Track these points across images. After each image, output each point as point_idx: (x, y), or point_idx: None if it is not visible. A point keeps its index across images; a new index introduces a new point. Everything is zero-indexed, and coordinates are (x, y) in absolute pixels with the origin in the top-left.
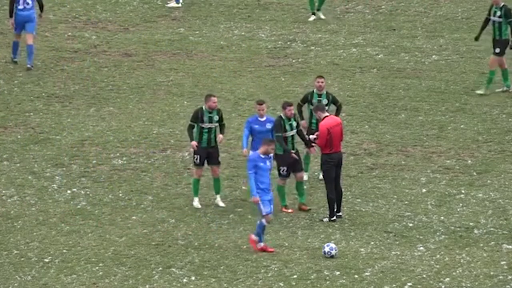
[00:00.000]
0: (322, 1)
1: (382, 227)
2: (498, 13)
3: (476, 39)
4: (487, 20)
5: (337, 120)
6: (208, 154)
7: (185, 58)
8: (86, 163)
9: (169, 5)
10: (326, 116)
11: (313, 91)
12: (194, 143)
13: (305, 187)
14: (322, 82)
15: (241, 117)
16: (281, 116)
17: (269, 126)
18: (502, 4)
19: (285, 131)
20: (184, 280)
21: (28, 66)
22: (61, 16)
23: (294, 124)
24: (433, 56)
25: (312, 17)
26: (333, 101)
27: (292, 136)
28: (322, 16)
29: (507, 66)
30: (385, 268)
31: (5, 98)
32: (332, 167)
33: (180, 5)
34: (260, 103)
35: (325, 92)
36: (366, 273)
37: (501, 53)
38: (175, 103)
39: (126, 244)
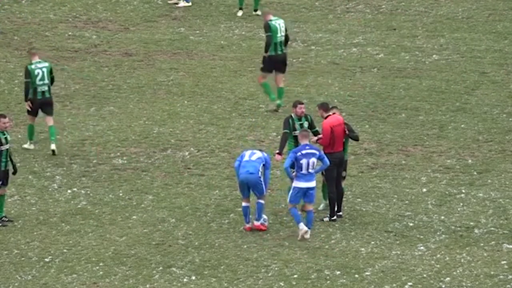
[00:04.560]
0: (257, 1)
1: (382, 226)
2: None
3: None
4: None
5: (340, 119)
6: (42, 105)
7: (186, 57)
8: (87, 162)
9: (179, 5)
10: (329, 115)
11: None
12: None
13: None
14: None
15: (242, 116)
16: (291, 114)
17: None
18: (268, 20)
19: (294, 129)
20: (185, 280)
21: None
22: (61, 15)
23: (306, 124)
24: (434, 56)
25: (240, 12)
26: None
27: None
28: (259, 13)
29: (282, 84)
30: (385, 267)
31: (5, 97)
32: (333, 167)
33: (190, 3)
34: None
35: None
36: (367, 273)
37: (262, 69)
38: (176, 102)
39: (126, 243)
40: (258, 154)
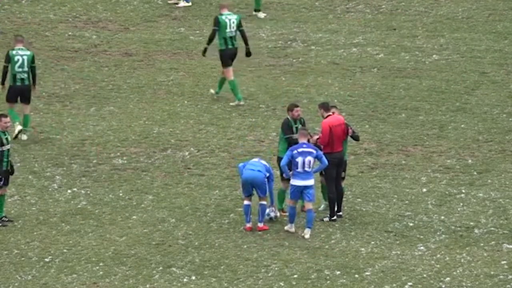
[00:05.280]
0: (258, 2)
1: (382, 226)
2: None
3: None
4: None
5: (340, 119)
6: (20, 92)
7: (186, 57)
8: (87, 162)
9: (179, 5)
10: (329, 115)
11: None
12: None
13: None
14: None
15: (242, 116)
16: (288, 118)
17: None
18: (220, 13)
19: (292, 132)
20: (185, 280)
21: None
22: (61, 15)
23: (300, 127)
24: (434, 56)
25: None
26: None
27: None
28: (262, 15)
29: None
30: (385, 267)
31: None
32: (333, 167)
33: (190, 3)
34: None
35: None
36: (367, 273)
37: (223, 65)
38: (176, 102)
39: (126, 243)
40: (264, 162)
